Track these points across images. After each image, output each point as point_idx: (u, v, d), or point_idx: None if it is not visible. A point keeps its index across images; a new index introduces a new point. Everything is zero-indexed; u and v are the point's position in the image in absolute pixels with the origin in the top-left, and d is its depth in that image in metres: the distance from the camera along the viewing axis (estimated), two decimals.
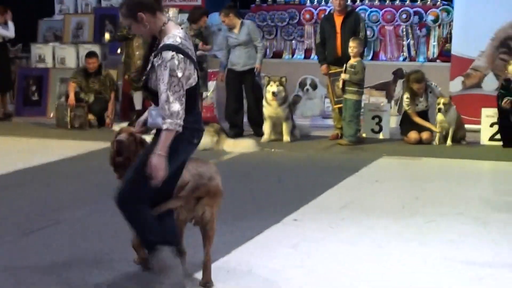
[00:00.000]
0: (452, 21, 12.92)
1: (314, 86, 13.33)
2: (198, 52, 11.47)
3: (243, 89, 11.60)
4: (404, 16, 13.48)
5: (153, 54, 4.54)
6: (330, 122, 12.08)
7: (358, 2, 13.76)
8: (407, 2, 13.68)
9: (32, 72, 14.16)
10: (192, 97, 4.54)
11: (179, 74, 4.41)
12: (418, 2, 13.63)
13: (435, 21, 13.31)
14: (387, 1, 13.78)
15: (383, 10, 13.62)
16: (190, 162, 4.79)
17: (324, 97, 13.02)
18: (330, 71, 11.19)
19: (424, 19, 13.41)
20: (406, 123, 11.15)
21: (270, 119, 11.08)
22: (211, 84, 12.67)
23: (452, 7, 12.95)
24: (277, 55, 14.21)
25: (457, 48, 12.56)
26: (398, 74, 12.88)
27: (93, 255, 4.89)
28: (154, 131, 4.63)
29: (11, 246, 5.83)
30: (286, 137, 11.06)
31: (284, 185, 8.24)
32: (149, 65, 4.56)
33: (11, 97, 14.14)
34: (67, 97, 12.63)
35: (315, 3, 14.12)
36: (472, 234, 6.31)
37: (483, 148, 10.82)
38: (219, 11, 11.86)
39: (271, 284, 5.06)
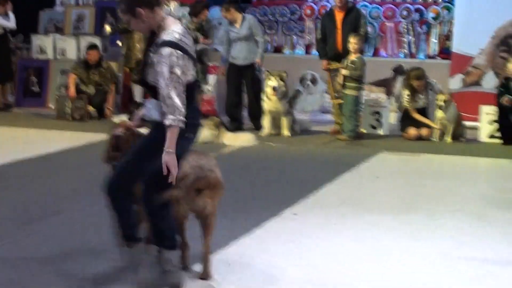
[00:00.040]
0: (452, 18, 12.91)
1: (314, 81, 13.32)
2: (199, 46, 11.47)
3: (244, 83, 11.59)
4: (404, 12, 13.47)
5: (151, 50, 4.53)
6: (330, 117, 12.07)
7: None
8: None
9: (32, 63, 14.15)
10: (190, 92, 4.53)
11: (178, 71, 4.41)
12: None
13: (435, 18, 13.30)
14: None
15: (384, 7, 13.62)
16: (190, 154, 4.78)
17: (324, 92, 13.01)
18: (330, 67, 11.18)
19: (424, 16, 13.40)
20: (406, 120, 11.15)
21: (270, 114, 11.07)
22: (212, 78, 12.66)
23: (453, 5, 12.94)
24: (278, 50, 14.20)
25: (457, 45, 12.56)
26: (398, 70, 12.87)
27: (91, 246, 4.89)
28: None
29: (10, 237, 5.82)
30: (285, 132, 11.05)
31: (283, 180, 8.23)
32: (147, 60, 4.55)
33: (11, 87, 14.11)
34: (67, 88, 12.63)
35: None
36: (471, 231, 6.30)
37: (482, 145, 10.82)
38: (220, 6, 11.84)
39: (269, 277, 5.06)
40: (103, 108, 12.58)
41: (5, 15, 13.22)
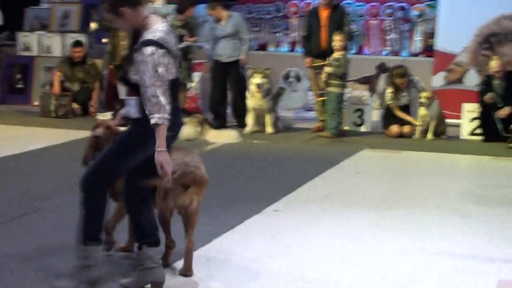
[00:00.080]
0: (436, 16, 12.95)
1: (298, 79, 13.35)
2: (184, 43, 11.47)
3: (228, 80, 11.60)
4: (388, 10, 13.51)
5: (134, 48, 4.54)
6: (313, 114, 12.10)
7: None
8: None
9: (17, 60, 14.08)
10: (171, 90, 4.53)
11: (161, 69, 4.41)
12: None
13: (419, 16, 13.34)
14: None
15: (368, 5, 13.63)
16: (175, 151, 4.79)
17: (307, 89, 13.04)
18: (314, 64, 11.20)
19: (408, 14, 13.44)
20: (388, 117, 11.19)
21: (254, 111, 11.09)
22: (196, 75, 12.66)
23: (437, 3, 12.98)
24: (263, 47, 14.21)
25: (440, 43, 12.60)
26: (381, 68, 12.91)
27: (73, 242, 4.89)
28: None
29: None
30: (269, 129, 11.07)
31: (265, 176, 8.26)
32: (130, 58, 4.55)
33: None
34: (52, 85, 12.60)
35: None
36: (450, 226, 6.35)
37: (463, 142, 10.87)
38: (206, 4, 11.83)
39: (250, 272, 5.08)
40: (88, 105, 12.56)
41: None
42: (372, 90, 12.82)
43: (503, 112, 10.59)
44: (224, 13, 11.51)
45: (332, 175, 8.42)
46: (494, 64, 10.88)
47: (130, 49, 4.59)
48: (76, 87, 12.54)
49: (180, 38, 11.42)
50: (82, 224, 4.64)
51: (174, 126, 4.59)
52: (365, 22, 13.66)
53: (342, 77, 10.85)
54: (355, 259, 5.42)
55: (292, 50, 13.94)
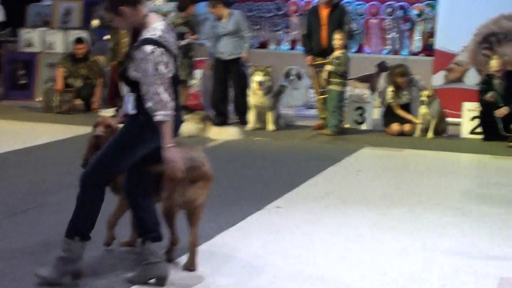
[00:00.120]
0: (436, 16, 12.94)
1: (299, 77, 13.33)
2: (186, 40, 11.47)
3: (230, 78, 11.60)
4: (389, 9, 13.49)
5: (134, 46, 4.53)
6: (314, 112, 12.09)
7: None
8: None
9: (20, 56, 14.07)
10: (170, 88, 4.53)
11: (162, 67, 4.42)
12: None
13: (419, 15, 13.33)
14: None
15: (368, 4, 13.61)
16: (180, 147, 4.80)
17: (308, 87, 13.02)
18: (315, 62, 11.20)
19: (408, 13, 13.42)
20: (389, 115, 11.19)
21: (255, 108, 11.09)
22: (198, 73, 12.65)
23: (437, 2, 12.97)
24: (264, 45, 14.20)
25: (440, 42, 12.60)
26: (381, 66, 12.90)
27: None
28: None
29: None
30: (270, 126, 11.07)
31: (267, 173, 8.26)
32: (130, 56, 4.55)
33: None
34: (54, 82, 12.59)
35: None
36: (450, 225, 6.35)
37: (464, 141, 10.87)
38: (207, 1, 11.83)
39: (252, 268, 5.08)
40: (90, 101, 12.56)
41: None
42: (373, 89, 12.81)
43: (502, 111, 10.58)
44: (225, 11, 11.51)
45: (333, 172, 8.42)
46: (494, 63, 10.87)
47: (130, 47, 4.59)
48: (78, 83, 12.54)
49: (182, 36, 11.42)
50: (73, 219, 4.65)
51: (174, 123, 4.58)
52: (365, 21, 13.64)
53: (342, 75, 10.85)
54: (355, 257, 5.42)
55: (292, 48, 13.92)
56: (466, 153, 10.03)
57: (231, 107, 11.80)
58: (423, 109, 10.87)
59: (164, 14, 12.17)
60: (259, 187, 7.53)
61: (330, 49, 10.91)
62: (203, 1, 12.76)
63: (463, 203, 7.15)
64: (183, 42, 11.35)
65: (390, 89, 11.14)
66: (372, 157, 9.59)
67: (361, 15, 13.57)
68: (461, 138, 11.06)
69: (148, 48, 4.41)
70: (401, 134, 10.92)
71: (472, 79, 12.24)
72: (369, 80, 12.93)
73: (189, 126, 10.10)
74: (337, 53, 10.76)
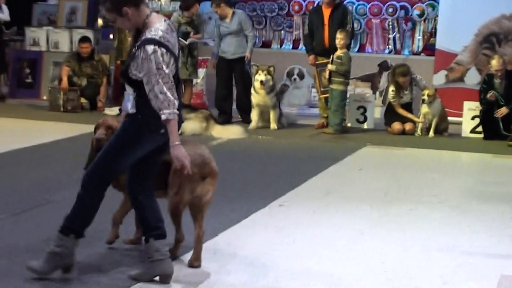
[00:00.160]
0: (437, 16, 12.95)
1: (301, 76, 13.33)
2: (189, 40, 11.48)
3: (233, 77, 11.60)
4: (390, 10, 13.49)
5: (136, 46, 4.53)
6: (316, 111, 12.09)
7: None
8: None
9: (26, 55, 14.08)
10: None
11: (165, 67, 4.43)
12: None
13: (420, 15, 13.33)
14: None
15: (370, 4, 13.62)
16: (187, 144, 4.82)
17: (311, 86, 13.03)
18: (317, 62, 11.21)
19: (410, 13, 13.42)
20: (390, 114, 11.20)
21: (258, 107, 11.10)
22: (201, 71, 12.66)
23: (438, 2, 12.97)
24: (266, 45, 14.20)
25: (441, 42, 12.60)
26: (383, 66, 12.91)
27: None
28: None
29: (3, 224, 5.83)
30: (273, 125, 11.08)
31: (270, 171, 8.26)
32: (132, 55, 4.55)
33: (5, 79, 14.05)
34: (60, 80, 12.61)
35: None
36: (451, 222, 6.36)
37: (464, 140, 10.87)
38: (211, 1, 11.83)
39: (256, 265, 5.09)
40: (95, 100, 12.56)
41: None
42: (375, 88, 12.82)
43: (501, 111, 10.58)
44: (228, 11, 11.51)
45: (335, 171, 8.43)
46: (495, 63, 10.85)
47: (132, 47, 4.59)
48: (84, 82, 12.54)
49: (186, 35, 11.43)
50: (70, 216, 4.67)
51: None
52: (367, 20, 13.64)
53: (344, 74, 10.85)
54: (357, 254, 5.43)
55: (295, 48, 13.93)
56: (467, 152, 10.04)
57: (234, 106, 11.81)
58: (424, 108, 10.88)
59: (169, 14, 12.19)
60: (262, 185, 7.53)
61: (332, 49, 10.91)
62: (206, 0, 12.76)
63: (463, 201, 7.16)
64: (187, 42, 11.37)
65: (392, 88, 11.14)
66: (373, 156, 9.59)
67: (363, 15, 13.58)
68: (462, 137, 11.06)
69: (150, 48, 4.41)
70: (403, 133, 10.93)
71: (472, 78, 12.25)
72: (370, 79, 12.93)
73: (192, 125, 10.12)
74: (339, 52, 10.77)
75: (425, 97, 10.83)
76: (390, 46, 13.45)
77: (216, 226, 5.83)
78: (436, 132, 10.90)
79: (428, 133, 10.90)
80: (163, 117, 4.40)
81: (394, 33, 13.45)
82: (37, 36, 14.04)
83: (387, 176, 8.29)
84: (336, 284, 4.81)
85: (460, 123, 11.28)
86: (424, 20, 13.35)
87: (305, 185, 7.59)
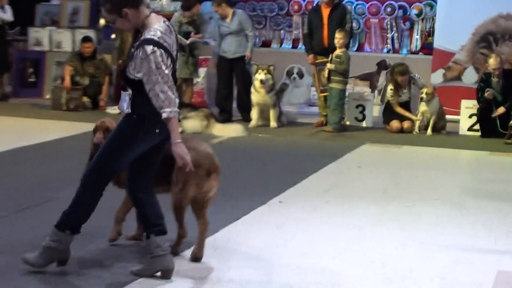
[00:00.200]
0: (435, 15, 12.93)
1: (301, 75, 13.32)
2: (190, 39, 11.47)
3: (233, 76, 11.60)
4: (389, 9, 13.48)
5: (134, 45, 4.53)
6: (315, 109, 12.09)
7: None
8: None
9: (29, 55, 14.09)
10: None
11: (164, 67, 4.42)
12: None
13: (418, 15, 13.32)
14: None
15: (368, 3, 13.60)
16: (189, 141, 4.83)
17: (310, 85, 13.02)
18: (316, 61, 11.21)
19: (408, 13, 13.41)
20: (389, 113, 11.19)
21: (258, 106, 11.09)
22: (202, 71, 12.65)
23: (435, 2, 12.96)
24: (266, 44, 14.19)
25: (439, 41, 12.59)
26: (382, 65, 12.90)
27: (86, 230, 4.90)
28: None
29: (6, 221, 5.84)
30: (273, 123, 11.08)
31: (270, 169, 8.26)
32: (131, 55, 4.55)
33: (8, 78, 14.05)
34: (63, 80, 12.62)
35: None
36: (449, 219, 6.36)
37: (462, 138, 10.87)
38: (211, 1, 11.83)
39: (256, 261, 5.10)
40: (98, 99, 12.56)
41: (1, 8, 13.16)
42: (373, 87, 12.82)
43: (499, 111, 10.57)
44: (229, 11, 11.51)
45: (334, 168, 8.42)
46: (492, 62, 10.84)
47: (131, 47, 4.59)
48: (86, 81, 12.54)
49: (187, 35, 11.43)
50: (68, 213, 4.69)
51: (157, 123, 4.56)
52: (365, 20, 13.63)
53: (343, 73, 10.85)
54: (356, 250, 5.43)
55: (295, 47, 13.92)
56: (464, 149, 10.04)
57: (234, 105, 11.80)
58: (423, 107, 10.88)
59: (169, 14, 12.20)
60: (262, 182, 7.53)
61: (331, 48, 10.91)
62: (207, 0, 12.75)
63: (461, 198, 7.16)
64: (188, 41, 11.37)
65: (390, 87, 11.14)
66: (372, 154, 9.59)
67: (361, 15, 13.57)
68: (460, 135, 11.06)
69: (149, 48, 4.41)
70: (401, 131, 10.92)
71: (470, 77, 12.24)
72: (369, 78, 12.92)
73: (193, 123, 10.12)
74: (338, 51, 10.77)
75: (424, 95, 10.83)
76: (388, 45, 13.44)
77: (217, 223, 5.82)
78: (434, 130, 10.90)
79: (426, 131, 10.89)
80: (164, 115, 4.40)
81: (393, 33, 13.44)
82: (40, 36, 14.05)
83: (385, 173, 8.29)
84: (335, 280, 4.81)
85: (457, 121, 11.28)
86: (422, 20, 13.33)
87: (304, 182, 7.59)
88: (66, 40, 13.88)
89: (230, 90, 11.67)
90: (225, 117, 11.38)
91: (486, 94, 10.68)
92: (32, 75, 13.88)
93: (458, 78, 12.42)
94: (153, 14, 4.61)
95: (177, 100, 4.45)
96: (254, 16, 14.02)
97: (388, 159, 9.27)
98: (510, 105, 10.58)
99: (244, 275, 4.83)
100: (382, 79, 12.69)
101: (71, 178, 7.27)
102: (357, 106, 11.67)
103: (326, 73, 10.86)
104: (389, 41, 13.46)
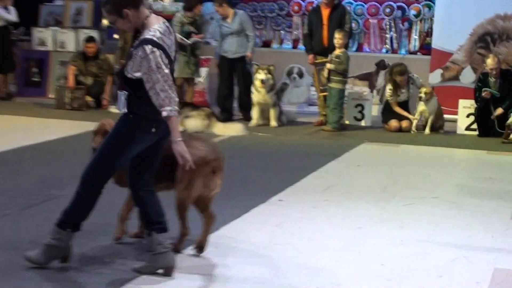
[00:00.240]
0: (433, 16, 12.93)
1: (300, 75, 13.31)
2: (192, 39, 11.47)
3: (234, 76, 11.59)
4: (387, 10, 13.48)
5: (134, 45, 4.53)
6: (315, 109, 12.09)
7: None
8: None
9: (33, 55, 14.10)
10: None
11: (163, 66, 4.41)
12: None
13: (417, 15, 13.31)
14: None
15: (368, 4, 13.61)
16: (195, 139, 4.84)
17: (310, 85, 13.01)
18: (316, 61, 11.21)
19: (406, 14, 13.41)
20: (387, 112, 11.20)
21: (258, 105, 11.10)
22: (203, 70, 12.66)
23: (434, 3, 12.96)
24: (266, 44, 14.19)
25: (437, 42, 12.59)
26: (380, 65, 12.89)
27: (90, 227, 4.91)
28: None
29: (11, 219, 5.84)
30: (273, 122, 11.08)
31: (270, 168, 8.26)
32: (129, 55, 4.55)
33: (13, 78, 14.05)
34: (66, 79, 12.63)
35: None
36: (447, 217, 6.36)
37: (460, 137, 10.87)
38: (212, 2, 11.83)
39: (257, 259, 5.09)
40: (101, 98, 12.57)
41: (5, 9, 13.16)
42: (372, 86, 12.81)
43: (498, 112, 10.57)
44: (230, 11, 11.51)
45: (333, 167, 8.42)
46: (490, 62, 10.84)
47: (130, 46, 4.59)
48: (89, 81, 12.56)
49: (189, 35, 11.43)
50: (68, 210, 4.69)
51: (154, 122, 4.56)
52: (364, 20, 13.63)
53: (343, 73, 10.85)
54: (355, 248, 5.42)
55: (294, 47, 13.92)
56: (462, 148, 10.05)
57: (235, 104, 11.80)
58: (421, 106, 10.88)
59: (171, 14, 12.19)
60: (262, 181, 7.53)
61: (331, 48, 10.91)
62: (209, 1, 12.75)
63: (458, 196, 7.16)
64: (189, 41, 11.36)
65: (389, 87, 11.14)
66: (371, 152, 9.59)
67: (361, 15, 13.57)
68: (457, 134, 11.07)
69: (148, 47, 4.40)
70: (399, 130, 10.93)
71: (468, 77, 12.24)
72: (368, 78, 12.92)
73: (195, 122, 10.12)
74: (337, 52, 10.76)
75: (423, 95, 10.83)
76: (387, 46, 13.44)
77: (218, 221, 5.76)
78: (433, 129, 10.90)
79: (423, 131, 10.89)
80: (164, 114, 4.40)
81: (391, 33, 13.44)
82: (44, 36, 14.06)
83: (384, 172, 8.29)
84: (334, 278, 4.80)
85: (455, 121, 11.28)
86: (421, 20, 13.33)
87: (304, 181, 7.59)
88: (70, 40, 13.89)
89: (231, 89, 11.67)
90: (226, 116, 11.38)
91: (483, 94, 10.69)
92: (36, 75, 13.90)
93: (456, 78, 12.42)
94: (153, 15, 4.60)
95: (177, 99, 4.45)
96: (254, 16, 14.02)
97: (387, 158, 9.27)
98: (508, 105, 10.58)
99: (245, 273, 4.82)
100: (381, 79, 12.68)
101: (74, 176, 7.23)
102: (356, 106, 11.67)
103: (325, 73, 10.86)
104: (388, 41, 13.46)
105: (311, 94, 13.03)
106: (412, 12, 13.35)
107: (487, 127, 10.70)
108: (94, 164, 4.64)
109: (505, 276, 4.95)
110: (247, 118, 11.34)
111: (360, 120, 11.63)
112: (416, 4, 13.37)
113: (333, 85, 10.83)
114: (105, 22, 12.67)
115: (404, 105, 11.12)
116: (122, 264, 4.83)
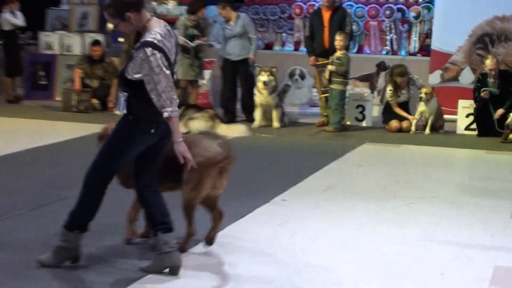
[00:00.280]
0: (432, 18, 12.92)
1: (302, 76, 13.31)
2: (196, 42, 11.48)
3: (237, 78, 11.60)
4: (387, 12, 13.48)
5: (135, 47, 4.54)
6: (317, 110, 12.09)
7: None
8: None
9: (40, 58, 14.12)
10: None
11: (164, 68, 4.42)
12: None
13: (416, 17, 13.31)
14: None
15: (368, 6, 13.61)
16: (205, 139, 4.84)
17: (311, 86, 13.01)
18: (317, 63, 11.21)
19: (406, 16, 13.41)
20: (388, 113, 11.19)
21: (261, 107, 11.10)
22: (207, 73, 12.66)
23: (433, 5, 12.95)
24: (269, 46, 14.19)
25: (436, 43, 12.58)
26: (381, 66, 12.89)
27: (97, 228, 4.92)
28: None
29: (20, 220, 5.85)
30: (275, 123, 11.08)
31: (273, 168, 8.27)
32: (130, 57, 4.55)
33: (21, 81, 14.08)
34: (73, 82, 12.65)
35: None
36: (447, 216, 6.35)
37: (459, 137, 10.87)
38: (217, 4, 11.84)
39: (260, 258, 5.10)
40: (106, 100, 12.59)
41: (12, 13, 13.18)
42: (373, 87, 12.81)
43: (499, 113, 10.57)
44: (233, 14, 11.52)
45: (335, 167, 8.42)
46: (489, 62, 10.84)
47: (132, 48, 4.60)
48: (95, 83, 12.58)
49: (192, 38, 11.44)
50: (74, 212, 4.71)
51: (154, 123, 4.57)
52: (365, 23, 13.62)
53: (344, 75, 10.85)
54: (357, 247, 5.42)
55: (296, 49, 13.92)
56: (462, 148, 10.04)
57: (238, 106, 11.81)
58: (421, 106, 10.88)
59: (175, 17, 12.20)
60: (265, 181, 7.53)
61: (332, 50, 10.91)
62: (212, 4, 12.77)
63: (458, 196, 7.16)
64: (193, 44, 11.37)
65: (390, 88, 11.14)
66: (372, 153, 9.59)
67: (361, 17, 13.57)
68: (457, 134, 11.06)
69: (149, 50, 4.41)
70: (400, 130, 10.93)
71: (467, 78, 12.24)
72: (369, 79, 12.92)
73: (199, 124, 10.12)
74: (338, 53, 10.77)
75: (423, 95, 10.83)
76: (387, 47, 13.43)
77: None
78: (433, 129, 10.89)
79: (423, 131, 10.89)
80: (166, 114, 4.41)
81: (391, 35, 13.44)
82: (51, 40, 14.10)
83: (385, 172, 8.29)
84: (336, 276, 4.80)
85: (455, 121, 11.28)
86: (420, 22, 13.33)
87: (306, 181, 7.59)
88: (76, 44, 13.92)
89: (234, 91, 11.67)
90: (229, 118, 11.38)
91: (482, 94, 10.68)
92: (43, 78, 13.92)
93: (455, 78, 12.41)
94: (154, 18, 4.61)
95: (177, 101, 4.46)
96: (257, 19, 14.03)
97: (388, 158, 9.27)
98: (509, 105, 10.58)
99: (249, 272, 4.82)
100: (381, 80, 12.68)
101: (82, 177, 7.25)
102: (357, 107, 11.67)
103: (327, 74, 10.86)
104: (388, 43, 13.45)
105: (313, 95, 13.02)
106: (412, 14, 13.35)
107: (487, 127, 10.70)
108: (95, 165, 4.65)
109: (506, 274, 4.95)
110: (250, 119, 11.35)
111: (361, 120, 11.63)
112: (415, 6, 13.37)
113: (334, 86, 10.83)
114: (110, 26, 12.66)
115: (405, 105, 11.12)
116: (129, 264, 4.84)
